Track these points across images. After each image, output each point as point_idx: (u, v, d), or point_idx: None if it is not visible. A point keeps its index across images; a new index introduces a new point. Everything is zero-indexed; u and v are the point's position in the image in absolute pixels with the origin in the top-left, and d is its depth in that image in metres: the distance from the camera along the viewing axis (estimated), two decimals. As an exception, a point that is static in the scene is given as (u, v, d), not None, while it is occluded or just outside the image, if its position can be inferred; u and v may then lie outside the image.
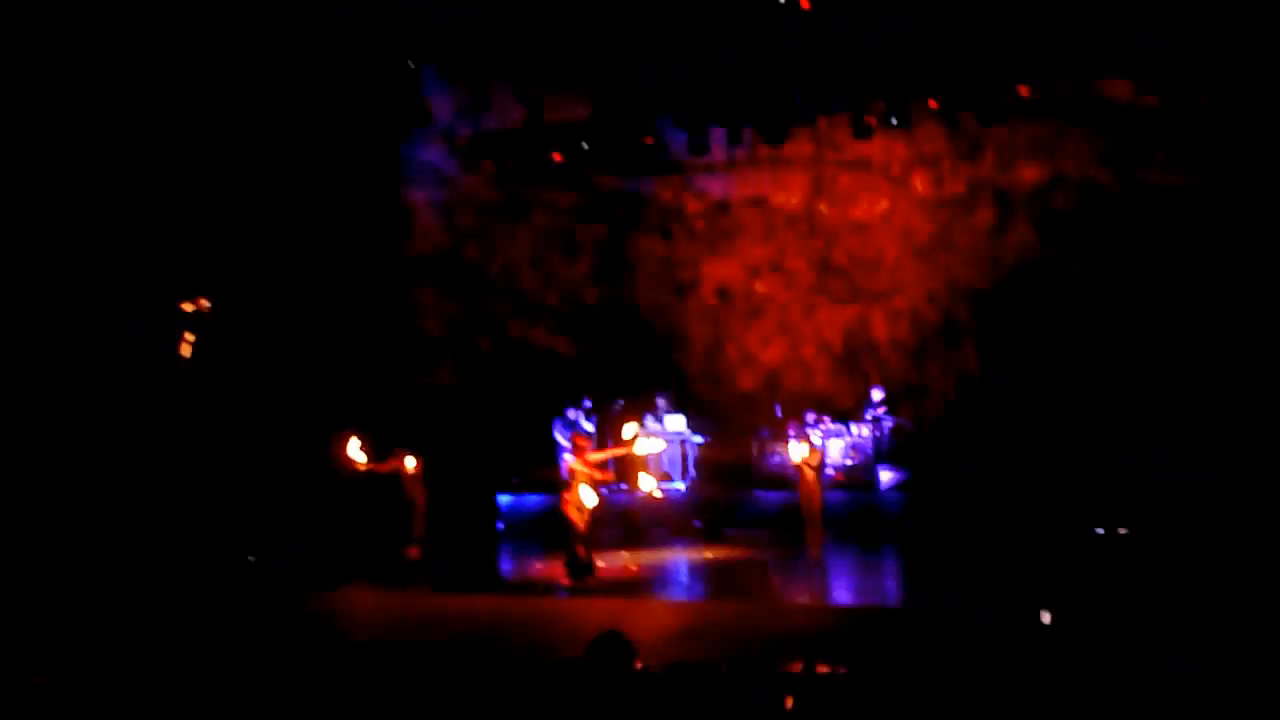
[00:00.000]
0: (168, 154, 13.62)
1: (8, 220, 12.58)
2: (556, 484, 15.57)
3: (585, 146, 16.61)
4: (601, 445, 16.04)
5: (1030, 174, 15.37)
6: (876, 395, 15.69)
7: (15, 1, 12.11)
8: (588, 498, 11.60)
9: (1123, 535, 12.06)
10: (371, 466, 13.48)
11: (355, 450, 13.20)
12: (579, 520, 11.66)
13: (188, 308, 13.95)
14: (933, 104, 15.35)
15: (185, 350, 13.65)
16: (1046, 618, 8.87)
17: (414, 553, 13.72)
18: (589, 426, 15.94)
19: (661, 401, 16.33)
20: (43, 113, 12.67)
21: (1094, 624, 8.79)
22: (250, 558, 13.11)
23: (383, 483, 13.86)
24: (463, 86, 16.58)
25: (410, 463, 13.62)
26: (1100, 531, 12.15)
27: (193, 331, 13.87)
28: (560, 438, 15.94)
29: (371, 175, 16.43)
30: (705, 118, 15.85)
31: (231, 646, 8.55)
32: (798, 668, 7.43)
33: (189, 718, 6.56)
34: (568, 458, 13.18)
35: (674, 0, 13.72)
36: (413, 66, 15.34)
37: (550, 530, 14.30)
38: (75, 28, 12.55)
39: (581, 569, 11.54)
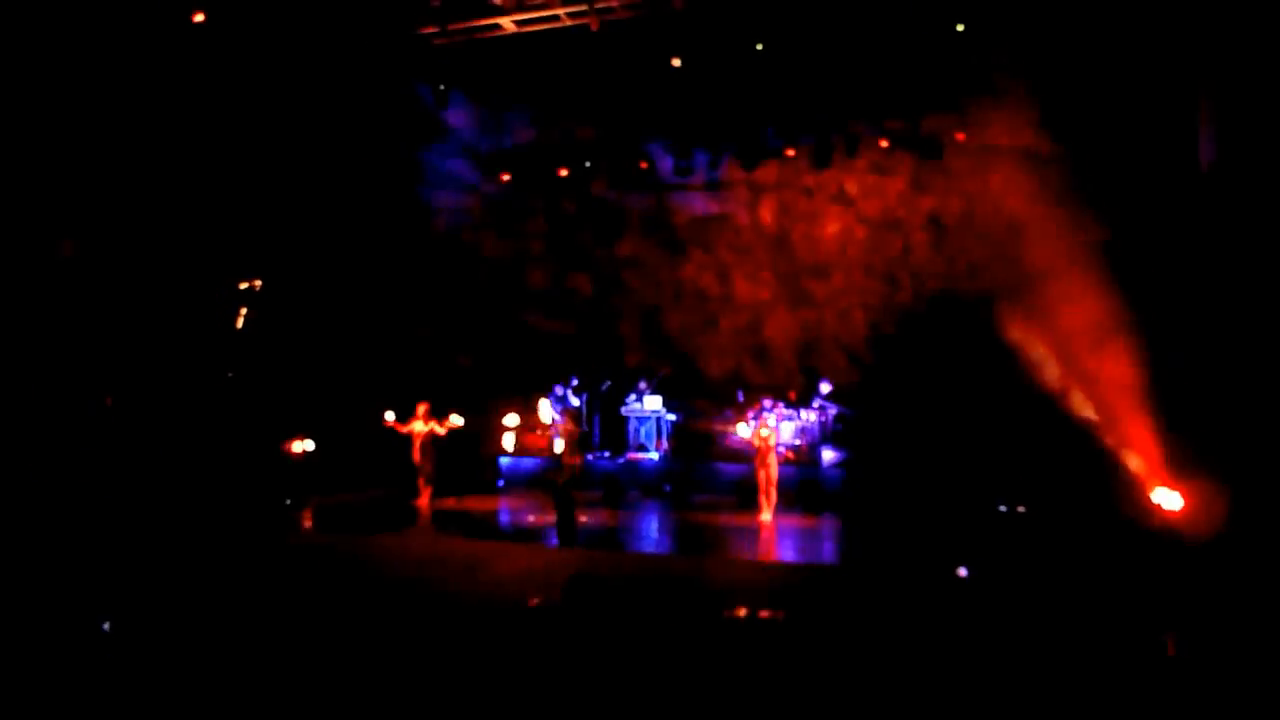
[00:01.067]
0: (223, 165, 13.65)
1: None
2: (548, 450, 15.81)
3: (587, 164, 16.71)
4: (589, 418, 16.25)
5: (958, 204, 15.50)
6: (824, 387, 15.83)
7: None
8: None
9: (1021, 512, 12.28)
10: (396, 425, 13.71)
11: (389, 415, 13.70)
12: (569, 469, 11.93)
13: (242, 286, 14.03)
14: (882, 141, 15.55)
15: (239, 322, 13.75)
16: (962, 572, 9.15)
17: (423, 503, 13.85)
18: (577, 401, 16.08)
19: (642, 383, 16.45)
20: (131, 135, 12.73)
21: (998, 580, 9.06)
22: (287, 501, 13.19)
23: (402, 443, 14.01)
24: (483, 107, 16.61)
25: (420, 426, 13.80)
26: (1003, 508, 12.36)
27: (247, 306, 13.95)
28: (552, 410, 16.07)
29: (401, 181, 16.47)
30: (691, 145, 15.98)
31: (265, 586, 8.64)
32: (743, 612, 7.57)
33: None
34: (559, 425, 13.33)
35: (669, 47, 13.82)
36: (441, 88, 15.38)
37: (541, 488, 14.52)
38: (145, 59, 12.53)
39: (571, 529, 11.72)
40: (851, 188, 16.38)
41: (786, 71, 14.21)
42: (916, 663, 6.31)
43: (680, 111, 15.60)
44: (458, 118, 16.72)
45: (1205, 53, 11.66)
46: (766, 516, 12.89)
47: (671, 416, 16.40)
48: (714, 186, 17.14)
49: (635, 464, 16.01)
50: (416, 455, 13.96)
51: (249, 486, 13.05)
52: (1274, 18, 10.48)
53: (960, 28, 13.15)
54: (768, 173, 16.78)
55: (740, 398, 16.16)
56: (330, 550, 10.67)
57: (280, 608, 7.62)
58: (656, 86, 14.98)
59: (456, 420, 13.76)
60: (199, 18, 12.44)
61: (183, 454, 12.89)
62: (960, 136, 14.77)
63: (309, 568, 9.52)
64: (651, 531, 12.93)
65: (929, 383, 14.68)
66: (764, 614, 7.76)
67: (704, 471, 15.51)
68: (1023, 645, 6.72)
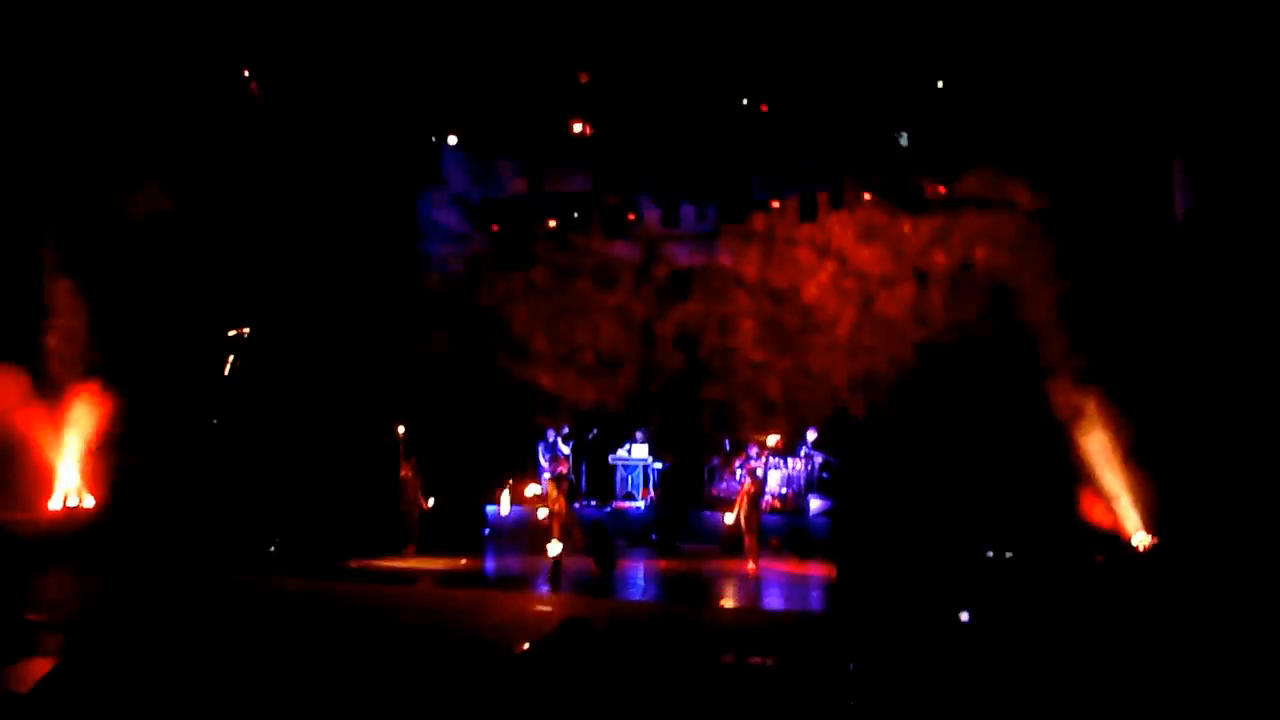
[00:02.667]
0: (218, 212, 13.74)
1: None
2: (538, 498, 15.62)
3: (576, 215, 16.84)
4: (577, 467, 16.15)
5: (942, 258, 15.67)
6: (810, 435, 15.84)
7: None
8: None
9: (1009, 557, 12.26)
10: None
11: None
12: (564, 525, 11.82)
13: (231, 333, 14.00)
14: (867, 195, 15.75)
15: (227, 368, 13.69)
16: (965, 617, 9.13)
17: (410, 551, 13.69)
18: (566, 449, 16.01)
19: (639, 433, 16.42)
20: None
21: (991, 624, 9.04)
22: (272, 547, 13.00)
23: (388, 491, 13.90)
24: (476, 159, 16.73)
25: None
26: (990, 554, 12.34)
27: (234, 354, 13.90)
28: (542, 459, 15.98)
29: (393, 231, 16.49)
30: (677, 197, 16.13)
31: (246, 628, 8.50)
32: (731, 659, 7.49)
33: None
34: (547, 476, 13.25)
35: (656, 100, 14.01)
36: (434, 140, 15.48)
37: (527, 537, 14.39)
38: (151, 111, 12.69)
39: (559, 576, 11.63)
40: (837, 240, 16.53)
41: (772, 125, 14.42)
42: (911, 707, 6.25)
43: (667, 164, 15.77)
44: (450, 168, 16.84)
45: (1179, 112, 11.94)
46: (752, 565, 12.81)
47: (658, 465, 16.35)
48: (701, 237, 17.27)
49: (622, 512, 15.90)
50: (403, 505, 13.85)
51: (232, 529, 12.87)
52: (1241, 80, 10.79)
53: (940, 84, 13.42)
54: (754, 224, 16.94)
55: (727, 446, 16.16)
56: (312, 595, 10.51)
57: (257, 651, 7.48)
58: (644, 138, 15.15)
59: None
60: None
61: (167, 494, 12.79)
62: (943, 190, 14.98)
63: (290, 613, 9.35)
64: (638, 579, 12.83)
65: (916, 430, 14.71)
66: (754, 660, 7.68)
67: (691, 519, 15.42)
68: (1020, 687, 6.69)
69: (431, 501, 13.95)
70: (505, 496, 15.71)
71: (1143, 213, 12.52)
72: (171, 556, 11.70)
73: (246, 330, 14.28)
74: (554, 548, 11.92)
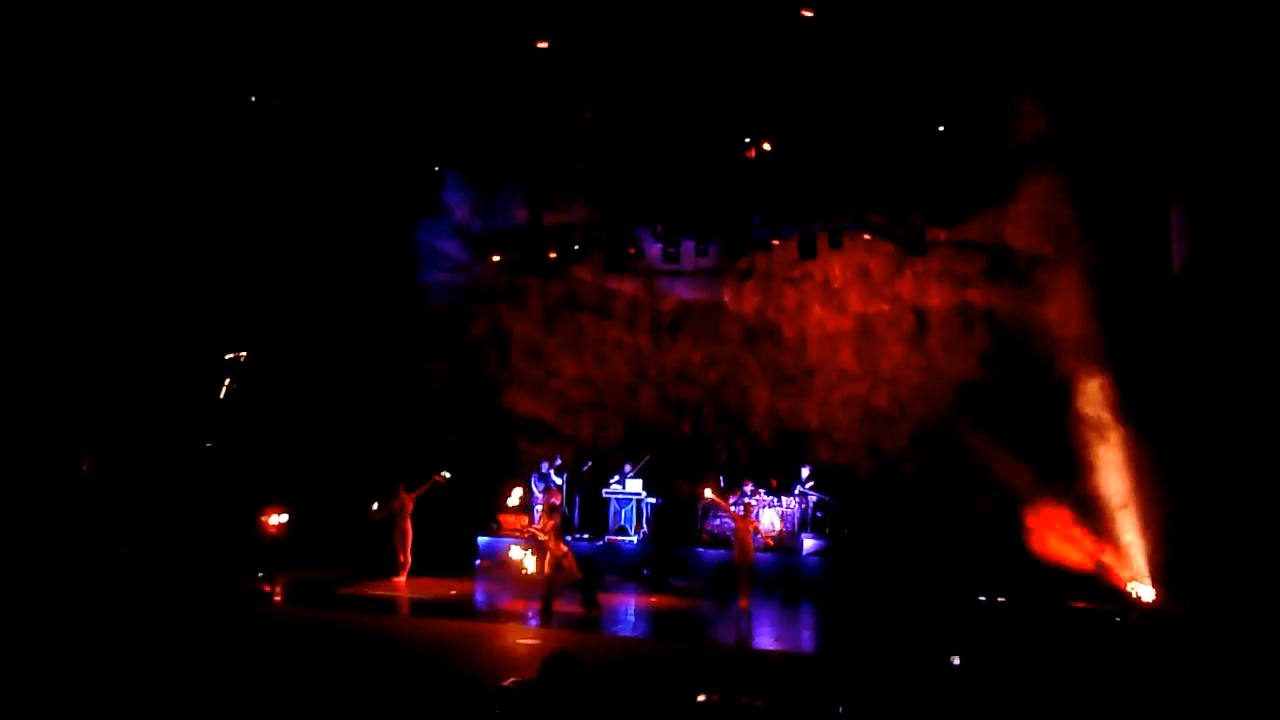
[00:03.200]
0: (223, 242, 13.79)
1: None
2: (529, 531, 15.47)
3: (576, 247, 16.89)
4: (570, 499, 16.05)
5: (939, 298, 15.70)
6: (804, 473, 15.77)
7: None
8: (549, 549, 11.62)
9: (1000, 602, 12.21)
10: (379, 513, 13.56)
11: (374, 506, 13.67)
12: (549, 566, 11.66)
13: (228, 357, 14.00)
14: (866, 236, 15.83)
15: (222, 392, 13.68)
16: (956, 661, 9.06)
17: (400, 582, 13.58)
18: (559, 480, 15.95)
19: (628, 467, 16.34)
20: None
21: (982, 669, 8.96)
22: (260, 575, 12.89)
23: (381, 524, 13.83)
24: (477, 189, 16.80)
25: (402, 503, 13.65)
26: (983, 598, 12.28)
27: (230, 378, 13.90)
28: (536, 490, 15.91)
29: (393, 259, 16.52)
30: (678, 233, 16.18)
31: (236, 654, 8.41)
32: (717, 698, 7.38)
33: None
34: (540, 506, 13.16)
35: (659, 140, 14.13)
36: (436, 170, 15.57)
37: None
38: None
39: (550, 611, 11.49)
40: (836, 279, 16.56)
41: (773, 165, 14.50)
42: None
43: (668, 200, 15.83)
44: (451, 198, 16.90)
45: (1176, 166, 12.05)
46: (745, 603, 12.67)
47: (652, 499, 16.25)
48: (701, 273, 17.29)
49: (615, 546, 15.79)
50: (396, 534, 13.76)
51: (221, 556, 12.78)
52: (1236, 136, 10.90)
53: (941, 129, 13.53)
54: (753, 261, 16.99)
55: (722, 483, 16.09)
56: (300, 624, 10.40)
57: (246, 680, 7.39)
58: (645, 175, 15.23)
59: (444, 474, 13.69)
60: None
61: (159, 520, 12.70)
62: (942, 234, 15.06)
63: (280, 642, 9.24)
64: (629, 615, 12.69)
65: (910, 473, 14.68)
66: (743, 700, 7.57)
67: (683, 556, 15.31)
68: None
69: (376, 506, 13.75)
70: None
71: (1142, 261, 12.58)
72: (162, 582, 11.60)
73: (243, 355, 14.30)
74: (529, 563, 11.85)
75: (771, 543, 15.05)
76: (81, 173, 12.54)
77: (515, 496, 15.47)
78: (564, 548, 11.67)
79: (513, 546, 14.41)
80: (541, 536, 11.91)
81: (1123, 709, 7.42)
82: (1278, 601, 9.34)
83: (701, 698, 6.57)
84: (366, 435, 15.22)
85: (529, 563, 12.59)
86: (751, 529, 12.73)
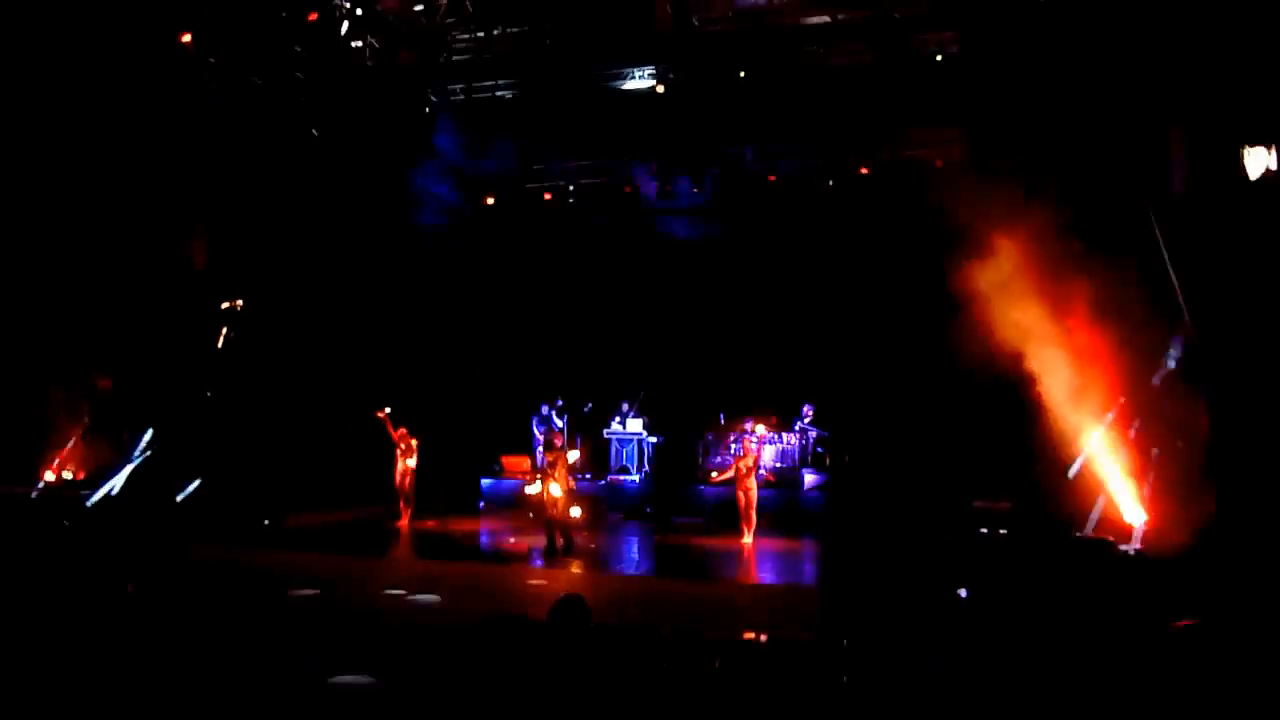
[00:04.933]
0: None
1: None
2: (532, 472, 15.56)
3: (570, 188, 16.70)
4: (571, 439, 16.09)
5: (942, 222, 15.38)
6: (806, 410, 15.80)
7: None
8: (555, 488, 11.66)
9: (1002, 535, 12.29)
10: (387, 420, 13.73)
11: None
12: (551, 505, 11.75)
13: (225, 306, 13.91)
14: (863, 169, 15.55)
15: (219, 341, 13.62)
16: (963, 593, 9.13)
17: (403, 524, 13.70)
18: (560, 422, 15.99)
19: (625, 405, 16.37)
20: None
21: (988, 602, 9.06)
22: (265, 521, 12.97)
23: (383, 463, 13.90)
24: (469, 131, 16.47)
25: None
26: (985, 531, 12.36)
27: (228, 326, 13.83)
28: (536, 431, 15.97)
29: (386, 202, 16.27)
30: (674, 170, 15.96)
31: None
32: (723, 635, 7.49)
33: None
34: (542, 449, 13.21)
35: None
36: (427, 111, 15.26)
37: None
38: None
39: (554, 550, 11.61)
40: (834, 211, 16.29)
41: (768, 98, 14.22)
42: (907, 683, 6.25)
43: (663, 137, 15.55)
44: (444, 140, 16.60)
45: (1176, 86, 11.78)
46: (747, 540, 12.81)
47: (653, 439, 16.32)
48: (696, 211, 17.07)
49: (617, 486, 15.90)
50: (397, 476, 13.84)
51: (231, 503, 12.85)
52: (1236, 55, 10.64)
53: (939, 58, 13.25)
54: (750, 197, 16.72)
55: (722, 419, 16.15)
56: (306, 570, 10.46)
57: (253, 625, 7.45)
58: (641, 112, 14.94)
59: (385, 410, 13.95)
60: (186, 37, 12.42)
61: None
62: (939, 163, 14.82)
63: (285, 587, 9.30)
64: (633, 553, 12.83)
65: (911, 404, 14.63)
66: (746, 635, 7.69)
67: (686, 494, 15.41)
68: (1018, 663, 6.71)
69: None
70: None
71: (1141, 184, 12.34)
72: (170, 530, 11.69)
73: (240, 303, 14.19)
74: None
75: (773, 479, 15.15)
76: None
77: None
78: (561, 491, 11.71)
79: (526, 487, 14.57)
80: (547, 480, 11.98)
81: (1128, 644, 7.50)
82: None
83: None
84: (363, 379, 15.16)
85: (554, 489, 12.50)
86: (753, 465, 12.82)
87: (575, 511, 12.44)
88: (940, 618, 8.55)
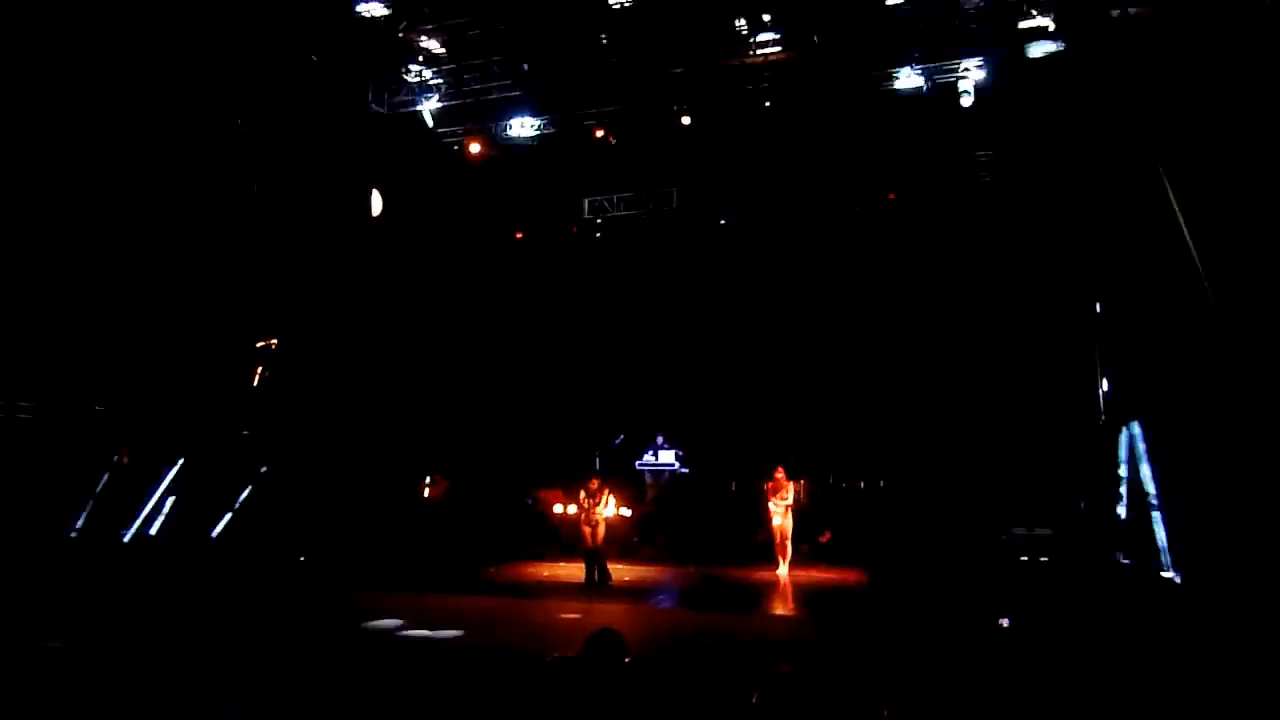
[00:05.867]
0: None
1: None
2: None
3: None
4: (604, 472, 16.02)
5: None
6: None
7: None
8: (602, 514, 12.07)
9: (1044, 561, 12.11)
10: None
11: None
12: (590, 537, 11.96)
13: (259, 345, 14.08)
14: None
15: (256, 379, 13.76)
16: (1005, 623, 9.00)
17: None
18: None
19: (660, 438, 16.34)
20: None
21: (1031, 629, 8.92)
22: (301, 558, 13.03)
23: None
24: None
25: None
26: (1025, 558, 12.19)
27: (263, 365, 13.98)
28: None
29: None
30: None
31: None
32: (763, 667, 7.38)
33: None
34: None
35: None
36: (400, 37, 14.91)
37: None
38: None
39: (593, 581, 11.88)
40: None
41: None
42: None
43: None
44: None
45: None
46: (782, 570, 12.67)
47: (684, 470, 16.25)
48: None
49: (649, 517, 15.81)
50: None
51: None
52: None
53: None
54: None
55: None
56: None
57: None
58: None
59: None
60: None
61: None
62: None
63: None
64: (668, 585, 12.71)
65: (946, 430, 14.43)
66: (783, 668, 7.56)
67: (718, 525, 15.28)
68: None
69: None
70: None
71: None
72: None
73: (274, 341, 14.35)
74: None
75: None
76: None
77: None
78: (601, 524, 12.03)
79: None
80: (592, 515, 12.16)
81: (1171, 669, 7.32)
82: None
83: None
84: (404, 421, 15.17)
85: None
86: (786, 497, 12.74)
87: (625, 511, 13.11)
88: (981, 646, 8.39)
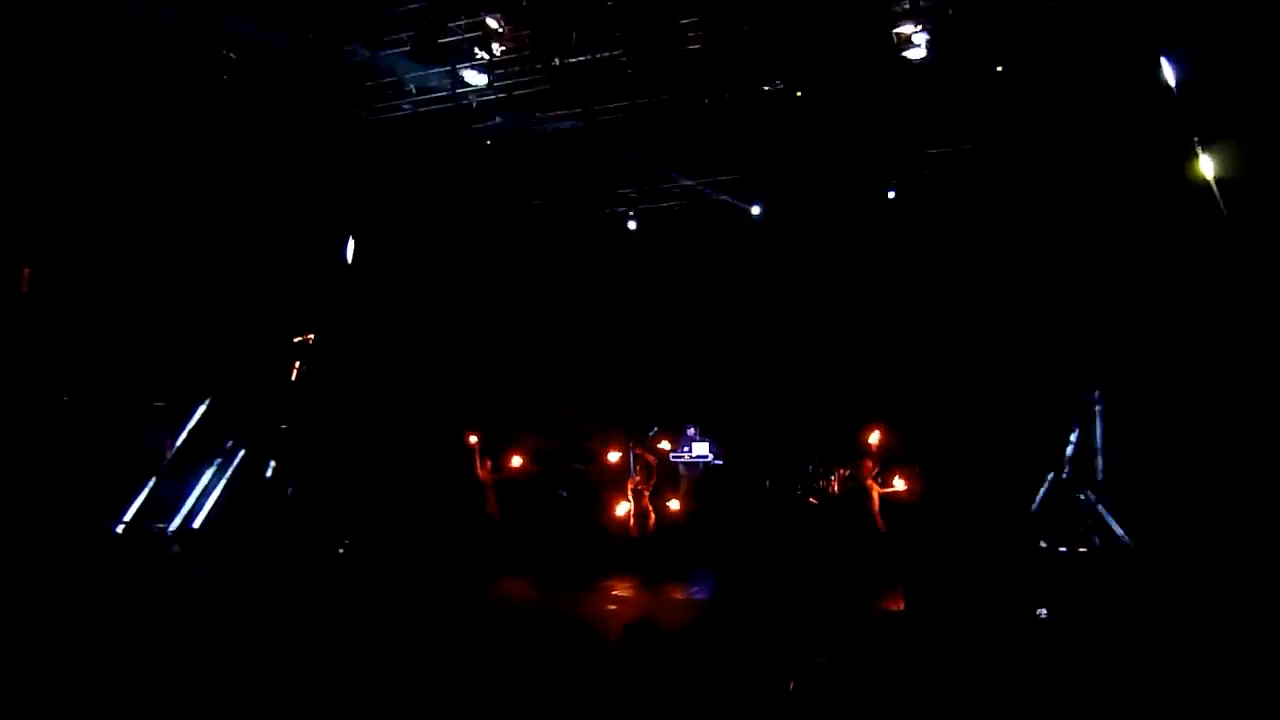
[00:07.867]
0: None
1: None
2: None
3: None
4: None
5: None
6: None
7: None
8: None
9: (1082, 552, 12.06)
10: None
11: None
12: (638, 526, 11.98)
13: (296, 340, 14.30)
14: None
15: (293, 374, 13.99)
16: (1043, 614, 8.98)
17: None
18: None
19: (691, 429, 16.31)
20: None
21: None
22: (340, 549, 13.23)
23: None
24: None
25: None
26: (1064, 550, 12.15)
27: (300, 360, 14.19)
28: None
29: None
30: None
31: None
32: (799, 658, 7.42)
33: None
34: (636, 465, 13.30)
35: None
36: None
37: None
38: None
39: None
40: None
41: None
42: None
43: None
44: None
45: None
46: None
47: (719, 462, 16.22)
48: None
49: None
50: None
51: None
52: None
53: None
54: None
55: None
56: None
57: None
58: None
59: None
60: None
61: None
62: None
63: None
64: (701, 578, 12.77)
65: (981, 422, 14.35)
66: (819, 660, 7.59)
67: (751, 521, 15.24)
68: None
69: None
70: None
71: None
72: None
73: (311, 337, 14.56)
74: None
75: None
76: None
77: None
78: (651, 513, 12.03)
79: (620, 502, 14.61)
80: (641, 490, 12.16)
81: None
82: None
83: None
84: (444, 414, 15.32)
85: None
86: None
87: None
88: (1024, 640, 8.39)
